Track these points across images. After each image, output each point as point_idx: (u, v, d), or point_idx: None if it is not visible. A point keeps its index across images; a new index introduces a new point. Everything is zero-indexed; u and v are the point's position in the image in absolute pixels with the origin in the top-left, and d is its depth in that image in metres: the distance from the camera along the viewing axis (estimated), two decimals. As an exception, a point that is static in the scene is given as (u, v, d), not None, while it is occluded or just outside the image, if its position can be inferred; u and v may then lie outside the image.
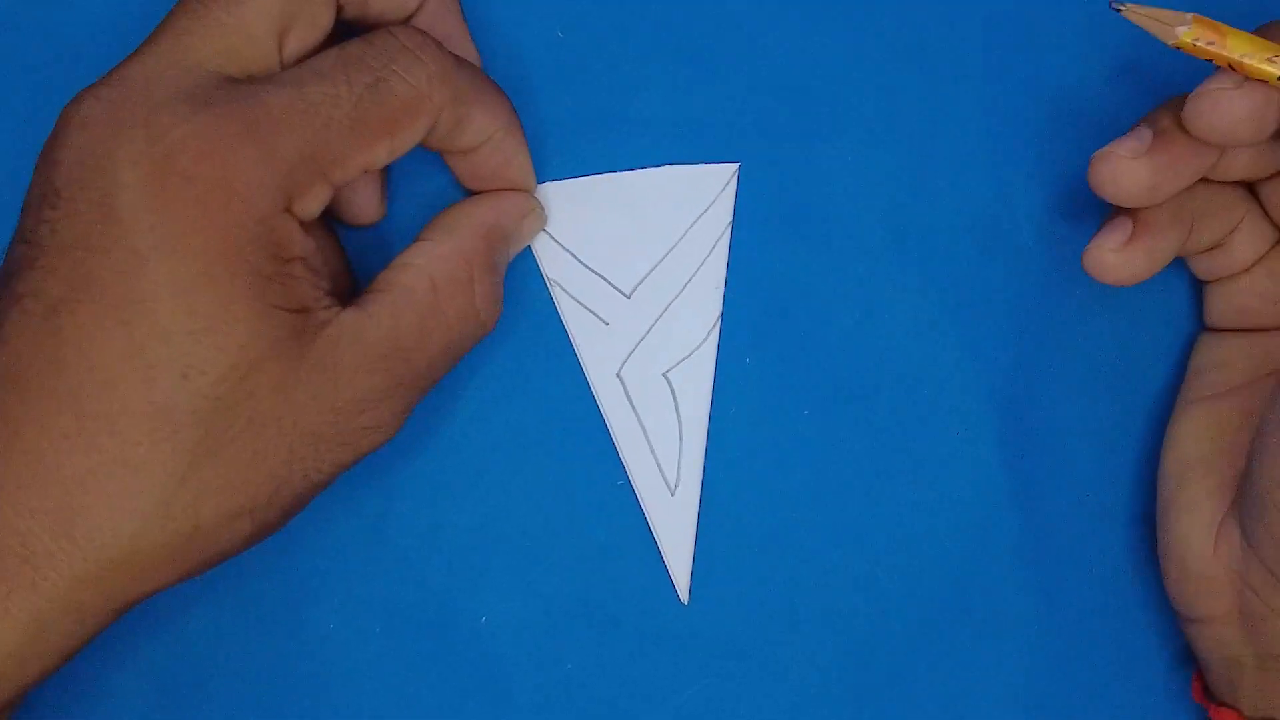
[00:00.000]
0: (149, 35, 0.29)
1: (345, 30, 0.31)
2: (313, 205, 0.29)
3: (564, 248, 0.35)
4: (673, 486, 0.35)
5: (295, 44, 0.30)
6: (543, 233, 0.35)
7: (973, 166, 0.36)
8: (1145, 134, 0.30)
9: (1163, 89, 0.36)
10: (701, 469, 0.35)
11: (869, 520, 0.36)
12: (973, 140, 0.36)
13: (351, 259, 0.33)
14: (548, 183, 0.35)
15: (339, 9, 0.31)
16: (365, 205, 0.34)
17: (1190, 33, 0.28)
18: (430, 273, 0.31)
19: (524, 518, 0.35)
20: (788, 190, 0.36)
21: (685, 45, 0.36)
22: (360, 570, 0.35)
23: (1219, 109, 0.29)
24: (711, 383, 0.35)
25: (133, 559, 0.27)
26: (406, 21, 0.32)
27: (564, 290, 0.35)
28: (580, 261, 0.35)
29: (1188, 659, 0.36)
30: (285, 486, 0.29)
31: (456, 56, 0.30)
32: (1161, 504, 0.34)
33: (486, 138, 0.32)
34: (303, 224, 0.29)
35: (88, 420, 0.26)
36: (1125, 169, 0.30)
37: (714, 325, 0.35)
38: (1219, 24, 0.28)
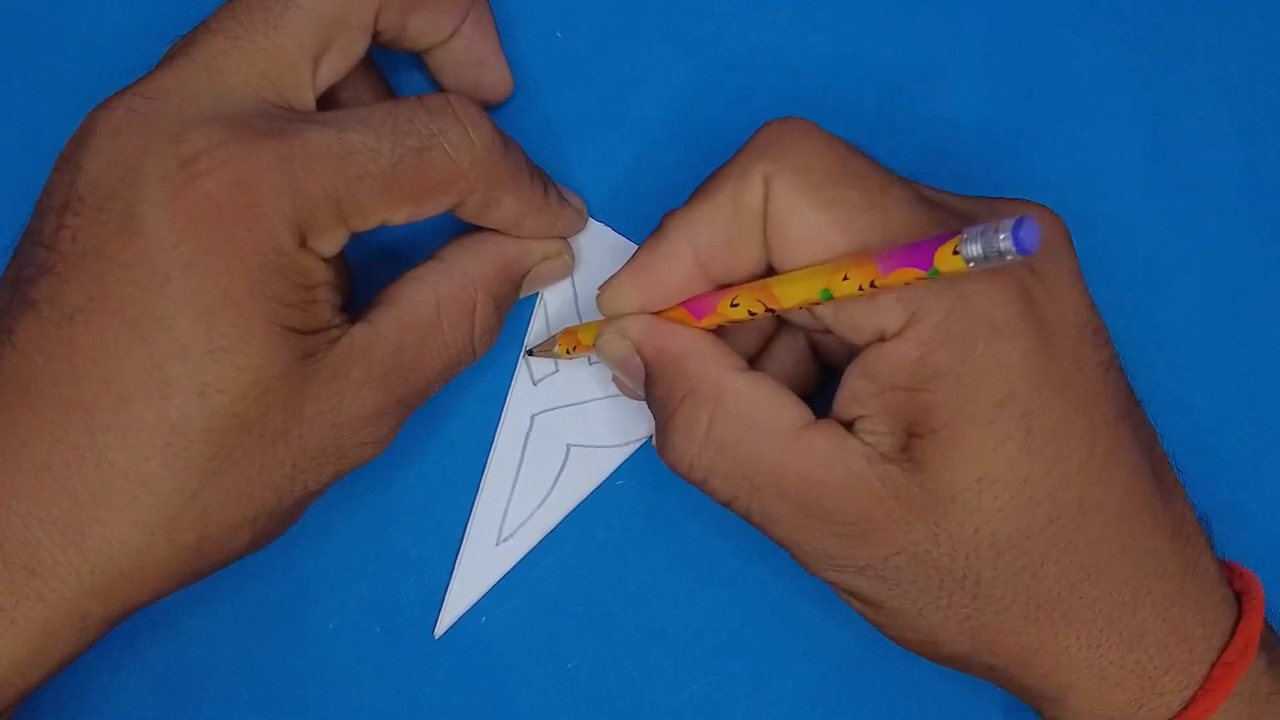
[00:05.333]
0: (178, 49, 0.28)
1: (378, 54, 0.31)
2: (328, 246, 0.28)
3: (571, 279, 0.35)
4: (501, 538, 0.35)
5: (329, 70, 0.29)
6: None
7: (974, 163, 0.36)
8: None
9: (1161, 86, 0.36)
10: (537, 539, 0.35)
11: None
12: (974, 137, 0.36)
13: (355, 264, 0.33)
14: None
15: (375, 34, 0.30)
16: None
17: (561, 345, 0.34)
18: (438, 292, 0.31)
19: (524, 517, 0.35)
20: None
21: (685, 45, 0.36)
22: (360, 570, 0.35)
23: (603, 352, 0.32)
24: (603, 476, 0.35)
25: (138, 571, 0.27)
26: (444, 44, 0.32)
27: (547, 309, 0.35)
28: (576, 294, 0.35)
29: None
30: (286, 498, 0.29)
31: (504, 137, 0.30)
32: None
33: (513, 222, 0.32)
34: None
35: (99, 433, 0.26)
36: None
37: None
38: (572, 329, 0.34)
